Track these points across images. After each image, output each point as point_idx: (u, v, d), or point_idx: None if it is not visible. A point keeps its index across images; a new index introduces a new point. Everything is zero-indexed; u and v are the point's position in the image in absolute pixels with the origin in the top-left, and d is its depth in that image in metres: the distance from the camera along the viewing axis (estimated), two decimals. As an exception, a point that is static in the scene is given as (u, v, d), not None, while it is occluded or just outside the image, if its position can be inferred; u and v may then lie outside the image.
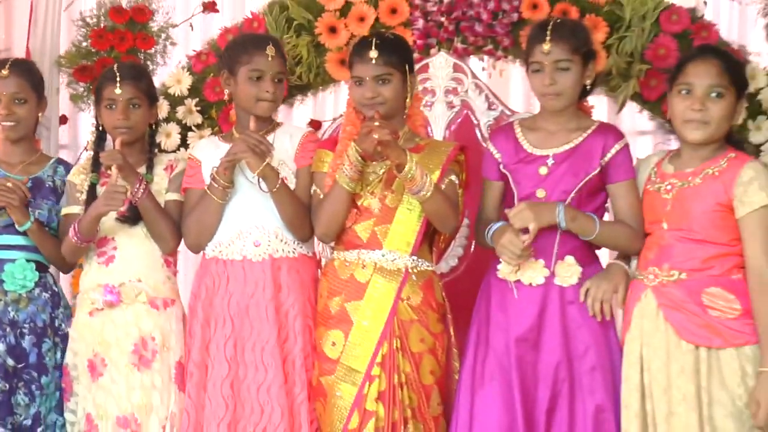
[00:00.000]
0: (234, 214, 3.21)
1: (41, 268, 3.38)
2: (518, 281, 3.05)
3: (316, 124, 4.03)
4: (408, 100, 3.22)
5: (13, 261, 3.33)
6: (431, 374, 3.15)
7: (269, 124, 3.32)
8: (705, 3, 3.97)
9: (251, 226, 3.19)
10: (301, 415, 3.13)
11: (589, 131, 3.07)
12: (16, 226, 3.32)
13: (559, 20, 3.23)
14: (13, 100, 3.36)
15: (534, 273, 3.04)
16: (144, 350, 3.25)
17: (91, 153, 3.35)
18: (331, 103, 4.55)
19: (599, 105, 3.94)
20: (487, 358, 3.09)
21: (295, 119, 4.28)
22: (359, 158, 3.08)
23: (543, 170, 3.06)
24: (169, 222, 3.30)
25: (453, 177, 3.19)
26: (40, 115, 3.51)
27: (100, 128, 3.34)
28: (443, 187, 3.17)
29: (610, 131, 3.09)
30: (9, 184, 3.27)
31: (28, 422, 3.28)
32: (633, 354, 2.96)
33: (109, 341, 3.24)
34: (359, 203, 3.20)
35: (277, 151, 3.24)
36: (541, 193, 3.04)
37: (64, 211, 3.45)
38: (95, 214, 3.23)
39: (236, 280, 3.19)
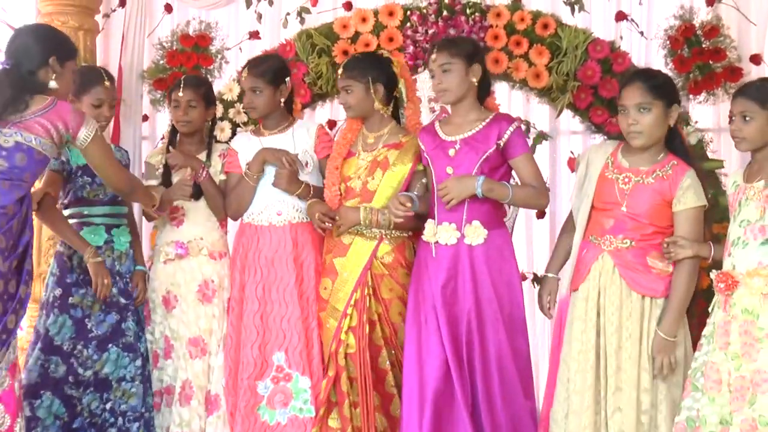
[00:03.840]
0: (263, 192, 3.63)
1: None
2: (437, 242, 3.33)
3: (332, 123, 4.42)
4: (376, 104, 3.48)
5: (117, 227, 3.70)
6: (399, 315, 3.48)
7: (287, 121, 3.68)
8: (621, 38, 4.29)
9: (275, 201, 3.61)
10: (314, 339, 3.55)
11: (487, 120, 3.31)
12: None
13: (446, 38, 3.52)
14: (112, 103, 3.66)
15: (448, 234, 3.31)
16: (206, 289, 3.68)
17: (166, 142, 3.80)
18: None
19: (543, 111, 4.41)
20: (422, 304, 3.37)
21: (317, 119, 4.53)
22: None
23: (451, 152, 3.32)
24: (223, 197, 3.70)
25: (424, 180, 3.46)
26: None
27: (173, 124, 3.78)
28: (418, 186, 3.46)
29: (503, 119, 3.32)
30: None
31: (132, 340, 3.62)
32: (591, 300, 3.22)
33: (179, 282, 3.68)
34: (348, 184, 3.51)
35: (299, 141, 3.64)
36: (449, 170, 3.28)
37: (145, 184, 3.77)
38: (168, 199, 3.62)
39: (264, 240, 3.61)
